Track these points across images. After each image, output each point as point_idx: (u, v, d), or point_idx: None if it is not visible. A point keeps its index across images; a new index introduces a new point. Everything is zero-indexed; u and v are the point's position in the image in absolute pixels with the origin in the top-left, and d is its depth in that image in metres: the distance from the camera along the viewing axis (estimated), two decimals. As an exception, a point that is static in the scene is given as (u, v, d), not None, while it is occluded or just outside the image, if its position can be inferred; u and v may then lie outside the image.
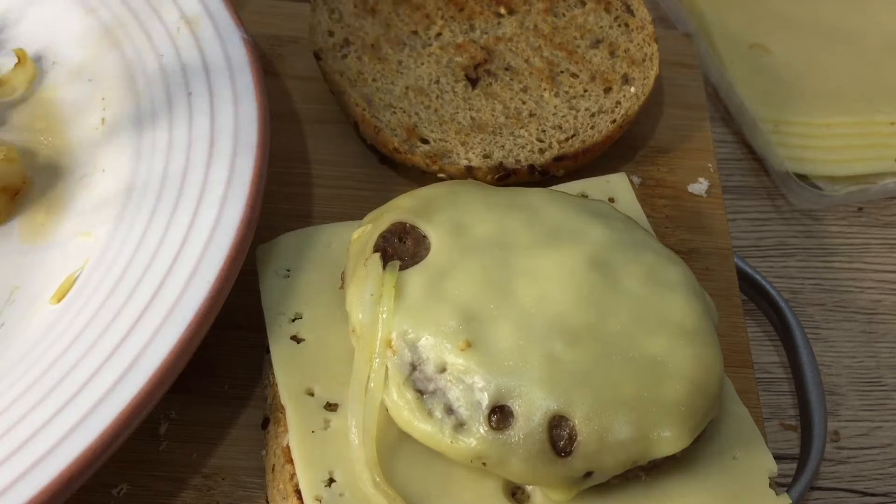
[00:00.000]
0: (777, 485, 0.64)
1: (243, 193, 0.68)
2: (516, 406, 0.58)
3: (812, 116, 0.92)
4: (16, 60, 0.80)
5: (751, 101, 0.92)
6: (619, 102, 0.82)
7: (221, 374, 0.70)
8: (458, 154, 0.79)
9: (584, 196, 0.74)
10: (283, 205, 0.79)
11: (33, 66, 0.80)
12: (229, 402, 0.70)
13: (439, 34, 0.86)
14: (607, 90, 0.83)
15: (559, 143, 0.80)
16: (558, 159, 0.79)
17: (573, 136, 0.80)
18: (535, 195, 0.69)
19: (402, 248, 0.64)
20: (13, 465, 0.56)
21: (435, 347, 0.59)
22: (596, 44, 0.86)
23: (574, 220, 0.66)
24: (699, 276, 0.69)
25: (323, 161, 0.83)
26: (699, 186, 0.84)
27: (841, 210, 0.90)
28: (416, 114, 0.81)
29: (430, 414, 0.59)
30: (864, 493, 0.74)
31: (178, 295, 0.63)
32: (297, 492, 0.61)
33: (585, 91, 0.83)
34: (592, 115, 0.82)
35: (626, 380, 0.59)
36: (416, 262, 0.63)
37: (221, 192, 0.68)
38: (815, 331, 0.81)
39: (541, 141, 0.80)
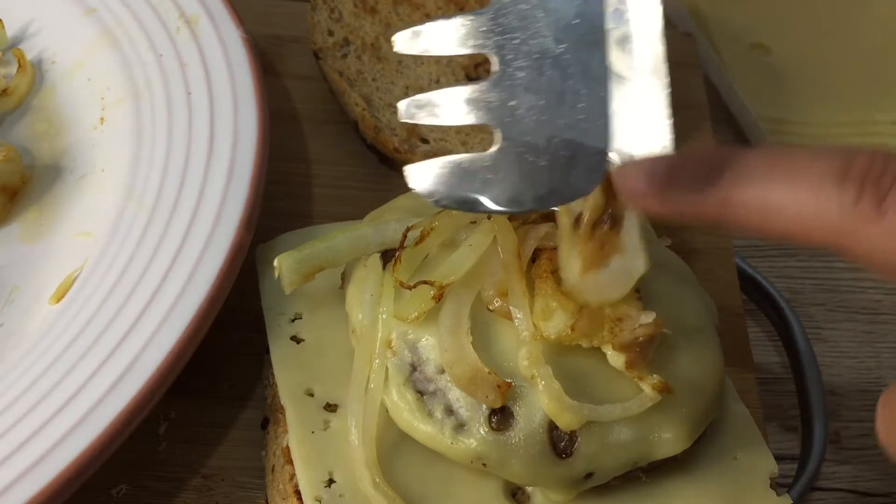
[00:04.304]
0: (778, 485, 0.64)
1: (243, 193, 0.68)
2: (517, 407, 0.58)
3: (812, 116, 0.92)
4: (16, 64, 0.79)
5: (751, 101, 0.91)
6: (619, 102, 0.82)
7: (221, 374, 0.70)
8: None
9: (585, 196, 0.74)
10: (283, 205, 0.79)
11: (32, 69, 0.80)
12: (229, 402, 0.69)
13: (439, 34, 0.86)
14: (607, 90, 0.83)
15: (559, 142, 0.80)
16: (558, 159, 0.79)
17: (573, 135, 0.80)
18: (535, 195, 0.68)
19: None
20: (13, 465, 0.56)
21: (435, 348, 0.59)
22: (596, 43, 0.86)
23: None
24: (700, 277, 0.68)
25: (323, 161, 0.83)
26: (700, 186, 0.84)
27: (842, 210, 0.90)
28: (416, 114, 0.81)
29: (430, 415, 0.59)
30: (865, 494, 0.73)
31: (177, 295, 0.63)
32: (297, 492, 0.61)
33: (586, 91, 0.83)
34: (593, 114, 0.81)
35: (626, 380, 0.59)
36: (417, 263, 0.63)
37: (221, 192, 0.68)
38: (816, 331, 0.81)
39: (541, 141, 0.80)
